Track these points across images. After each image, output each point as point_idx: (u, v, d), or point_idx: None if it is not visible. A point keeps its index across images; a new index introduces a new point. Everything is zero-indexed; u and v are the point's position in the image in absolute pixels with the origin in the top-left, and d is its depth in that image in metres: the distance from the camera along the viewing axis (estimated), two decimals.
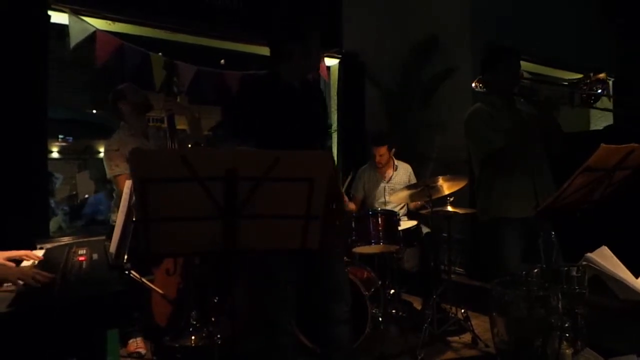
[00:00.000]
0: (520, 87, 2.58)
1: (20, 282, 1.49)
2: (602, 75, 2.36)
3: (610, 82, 5.87)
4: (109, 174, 3.00)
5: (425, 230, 3.75)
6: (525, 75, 2.64)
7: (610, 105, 2.73)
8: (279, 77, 2.09)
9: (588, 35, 5.63)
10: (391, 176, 3.98)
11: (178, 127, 3.01)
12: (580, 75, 2.43)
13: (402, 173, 4.01)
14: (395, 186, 3.86)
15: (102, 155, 3.19)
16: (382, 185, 3.96)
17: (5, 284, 1.51)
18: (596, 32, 5.81)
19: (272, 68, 2.13)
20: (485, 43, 4.41)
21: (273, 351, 2.07)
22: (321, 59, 2.15)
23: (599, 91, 2.34)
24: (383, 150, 3.86)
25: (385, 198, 3.86)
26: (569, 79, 2.50)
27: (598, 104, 2.43)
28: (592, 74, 2.38)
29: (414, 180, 3.89)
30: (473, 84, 2.73)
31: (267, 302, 2.09)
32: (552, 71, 5.70)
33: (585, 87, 2.36)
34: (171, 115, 2.93)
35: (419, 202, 3.77)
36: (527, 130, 2.50)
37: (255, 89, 2.22)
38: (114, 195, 3.18)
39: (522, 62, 2.64)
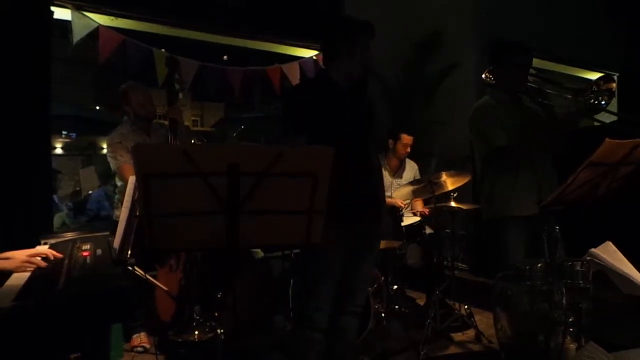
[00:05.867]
0: (527, 87, 2.54)
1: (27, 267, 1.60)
2: (612, 85, 2.25)
3: (615, 78, 5.84)
4: (114, 165, 3.02)
5: (428, 230, 3.74)
6: (531, 71, 2.59)
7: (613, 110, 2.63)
8: (327, 77, 2.18)
9: (592, 32, 5.59)
10: (399, 172, 3.98)
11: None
12: (584, 72, 2.37)
13: (409, 170, 4.01)
14: (402, 182, 3.85)
15: (105, 151, 3.21)
16: (390, 179, 3.96)
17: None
18: (601, 28, 5.77)
19: (324, 69, 2.23)
20: (488, 39, 4.39)
21: (304, 343, 2.12)
22: (370, 60, 2.22)
23: (603, 103, 2.25)
24: (411, 140, 3.85)
25: (390, 193, 3.86)
26: (573, 86, 2.39)
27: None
28: (601, 82, 2.27)
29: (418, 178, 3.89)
30: (483, 75, 2.68)
31: (313, 294, 2.11)
32: (555, 66, 5.67)
33: (592, 95, 2.26)
34: (174, 120, 2.96)
35: (426, 210, 3.75)
36: (532, 129, 2.46)
37: (306, 87, 2.35)
38: (116, 191, 3.19)
39: None
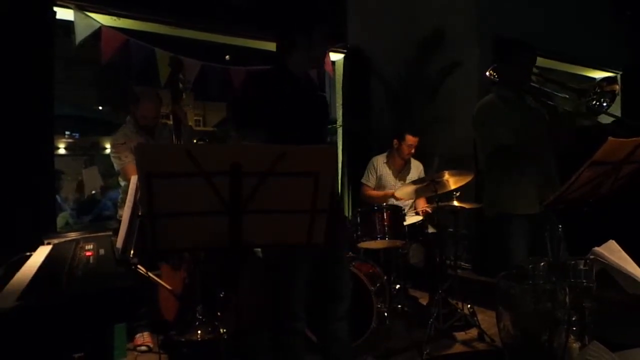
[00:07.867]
0: (531, 86, 2.53)
1: None
2: (615, 87, 2.24)
3: (619, 76, 5.81)
4: (118, 165, 3.04)
5: (431, 230, 3.73)
6: (534, 71, 2.58)
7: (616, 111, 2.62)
8: (284, 69, 2.10)
9: (594, 30, 5.57)
10: (404, 172, 3.98)
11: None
12: (586, 70, 2.36)
13: (414, 169, 4.01)
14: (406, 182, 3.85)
15: (108, 151, 3.22)
16: (393, 179, 3.95)
17: None
18: (603, 26, 5.75)
19: (278, 60, 2.14)
20: (490, 38, 4.38)
21: (287, 336, 2.07)
22: (326, 53, 2.13)
23: (605, 104, 2.24)
24: (416, 141, 3.85)
25: (393, 192, 3.86)
26: (576, 87, 2.37)
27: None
28: (604, 83, 2.26)
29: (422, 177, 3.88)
30: (487, 73, 2.68)
31: (284, 294, 2.06)
32: (557, 64, 5.65)
33: (594, 96, 2.25)
34: (177, 119, 2.96)
35: (428, 208, 3.76)
36: (535, 128, 2.46)
37: (261, 80, 2.25)
38: (120, 191, 3.20)
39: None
